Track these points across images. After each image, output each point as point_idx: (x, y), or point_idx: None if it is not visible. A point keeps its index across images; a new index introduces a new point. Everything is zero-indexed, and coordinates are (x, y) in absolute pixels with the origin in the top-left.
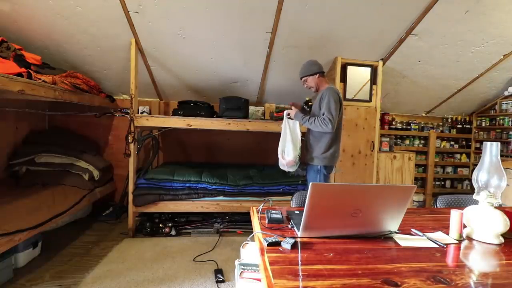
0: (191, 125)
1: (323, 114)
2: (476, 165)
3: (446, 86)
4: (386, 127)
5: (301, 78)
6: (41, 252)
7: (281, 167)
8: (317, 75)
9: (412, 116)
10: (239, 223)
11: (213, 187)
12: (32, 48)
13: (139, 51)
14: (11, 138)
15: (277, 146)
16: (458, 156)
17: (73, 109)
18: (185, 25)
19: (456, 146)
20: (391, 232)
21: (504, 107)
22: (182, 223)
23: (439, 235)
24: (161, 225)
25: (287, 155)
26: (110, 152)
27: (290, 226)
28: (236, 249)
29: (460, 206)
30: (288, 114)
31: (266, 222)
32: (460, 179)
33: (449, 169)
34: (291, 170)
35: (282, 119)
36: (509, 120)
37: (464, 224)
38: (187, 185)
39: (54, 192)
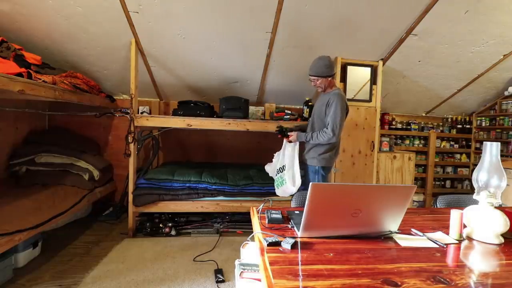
0: (191, 125)
1: (328, 124)
2: (476, 165)
3: (446, 86)
4: (386, 127)
5: (310, 75)
6: (41, 252)
7: (286, 195)
8: (330, 78)
9: (412, 116)
10: (239, 223)
11: (213, 187)
12: (32, 48)
13: (139, 51)
14: (11, 138)
15: (277, 147)
16: (458, 156)
17: (73, 109)
18: (185, 25)
19: (456, 146)
20: (391, 232)
21: (504, 107)
22: (182, 223)
23: (439, 235)
24: (161, 225)
25: (298, 179)
26: (110, 152)
27: (290, 226)
28: (236, 249)
29: (460, 206)
30: (290, 141)
31: (266, 222)
32: (460, 179)
33: (449, 169)
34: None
35: (282, 119)
36: (509, 120)
37: (464, 224)
38: (187, 185)
39: (54, 192)
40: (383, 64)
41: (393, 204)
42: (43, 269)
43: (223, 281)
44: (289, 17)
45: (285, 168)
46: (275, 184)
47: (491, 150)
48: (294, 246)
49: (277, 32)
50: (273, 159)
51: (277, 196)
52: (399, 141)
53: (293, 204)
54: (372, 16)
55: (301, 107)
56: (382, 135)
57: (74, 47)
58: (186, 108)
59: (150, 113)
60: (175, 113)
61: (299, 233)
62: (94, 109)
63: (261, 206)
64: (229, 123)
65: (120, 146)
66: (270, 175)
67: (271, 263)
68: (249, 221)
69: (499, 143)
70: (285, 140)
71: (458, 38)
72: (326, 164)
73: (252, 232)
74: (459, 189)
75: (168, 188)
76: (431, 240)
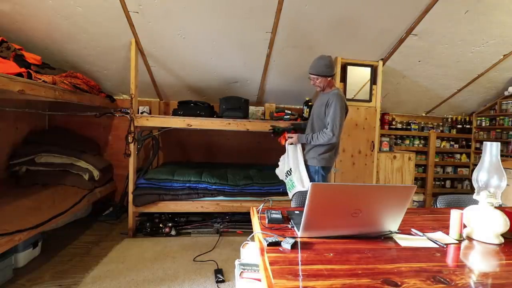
0: (191, 125)
1: (328, 124)
2: (476, 165)
3: (446, 86)
4: (386, 127)
5: (310, 74)
6: (41, 252)
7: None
8: (330, 78)
9: (412, 116)
10: (239, 223)
11: (213, 187)
12: (32, 48)
13: (139, 51)
14: (11, 138)
15: (277, 147)
16: (458, 156)
17: (73, 109)
18: (185, 25)
19: (456, 146)
20: (391, 232)
21: (504, 107)
22: (182, 223)
23: (439, 235)
24: (161, 225)
25: (306, 180)
26: (110, 152)
27: (290, 226)
28: (236, 249)
29: (460, 206)
30: (291, 143)
31: (266, 222)
32: (460, 179)
33: (449, 169)
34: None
35: (282, 119)
36: (509, 120)
37: (464, 224)
38: (187, 185)
39: (54, 192)
40: (383, 64)
41: (393, 204)
42: (43, 269)
43: (223, 281)
44: (289, 17)
45: (292, 171)
46: (286, 188)
47: (491, 150)
48: (294, 246)
49: (277, 32)
50: (279, 163)
51: (277, 196)
52: (399, 141)
53: (293, 204)
54: (372, 16)
55: (301, 107)
56: (382, 135)
57: (74, 47)
58: (186, 108)
59: (150, 113)
60: (175, 113)
61: (299, 233)
62: (94, 109)
63: (261, 206)
64: (229, 123)
65: (120, 146)
66: (280, 178)
67: (271, 263)
68: (249, 221)
69: (499, 143)
70: (287, 143)
71: (458, 38)
72: (326, 164)
73: (252, 232)
74: (459, 189)
75: (168, 188)
76: (431, 240)
